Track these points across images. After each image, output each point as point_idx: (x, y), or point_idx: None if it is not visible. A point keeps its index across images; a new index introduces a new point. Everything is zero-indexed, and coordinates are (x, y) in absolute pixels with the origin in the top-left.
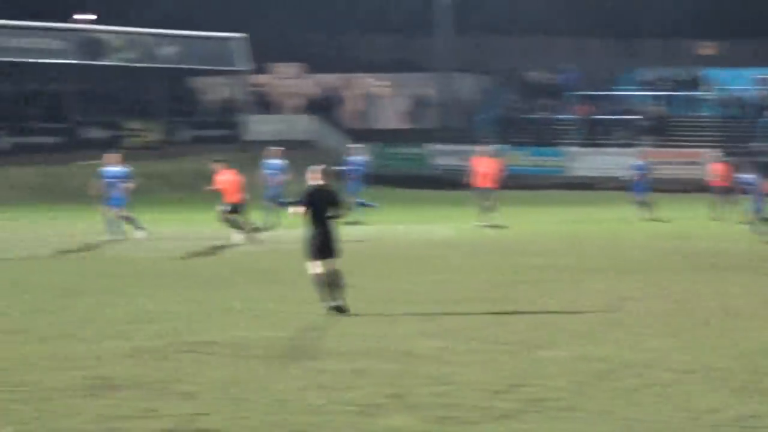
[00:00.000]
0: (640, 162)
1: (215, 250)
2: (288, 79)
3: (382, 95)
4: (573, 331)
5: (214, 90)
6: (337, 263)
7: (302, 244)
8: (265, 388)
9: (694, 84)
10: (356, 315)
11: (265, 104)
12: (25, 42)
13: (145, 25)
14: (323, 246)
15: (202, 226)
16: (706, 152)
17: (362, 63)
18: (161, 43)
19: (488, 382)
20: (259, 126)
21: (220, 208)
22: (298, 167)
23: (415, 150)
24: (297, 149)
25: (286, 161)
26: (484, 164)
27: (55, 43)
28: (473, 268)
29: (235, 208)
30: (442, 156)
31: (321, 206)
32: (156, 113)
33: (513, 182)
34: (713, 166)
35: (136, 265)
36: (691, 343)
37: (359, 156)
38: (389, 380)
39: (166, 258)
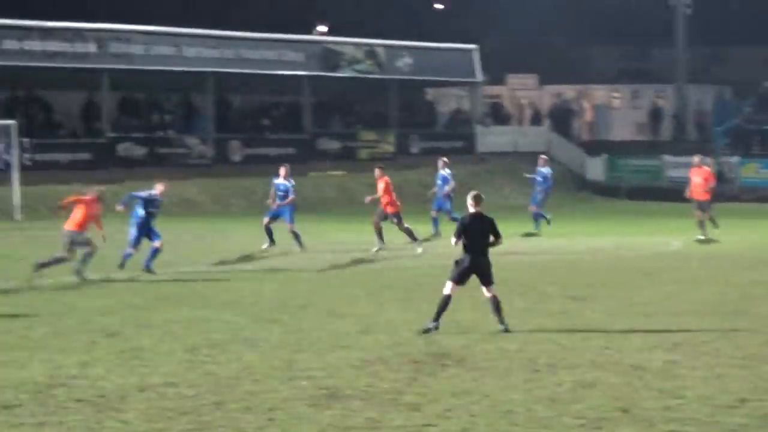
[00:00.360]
0: None
1: (437, 260)
2: (522, 90)
3: (616, 106)
4: None
5: (448, 101)
6: (493, 289)
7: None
8: (493, 399)
9: None
10: (585, 330)
11: (498, 115)
12: (262, 54)
13: (377, 36)
14: (469, 273)
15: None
16: None
17: (596, 74)
18: (396, 54)
19: (717, 397)
20: (492, 137)
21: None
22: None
23: (649, 162)
24: (531, 161)
25: (451, 172)
26: (698, 175)
27: (292, 55)
28: (703, 280)
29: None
30: (676, 168)
31: (476, 235)
32: (389, 124)
33: (748, 195)
34: None
35: (360, 275)
36: None
37: (546, 168)
38: (617, 393)
39: (390, 268)
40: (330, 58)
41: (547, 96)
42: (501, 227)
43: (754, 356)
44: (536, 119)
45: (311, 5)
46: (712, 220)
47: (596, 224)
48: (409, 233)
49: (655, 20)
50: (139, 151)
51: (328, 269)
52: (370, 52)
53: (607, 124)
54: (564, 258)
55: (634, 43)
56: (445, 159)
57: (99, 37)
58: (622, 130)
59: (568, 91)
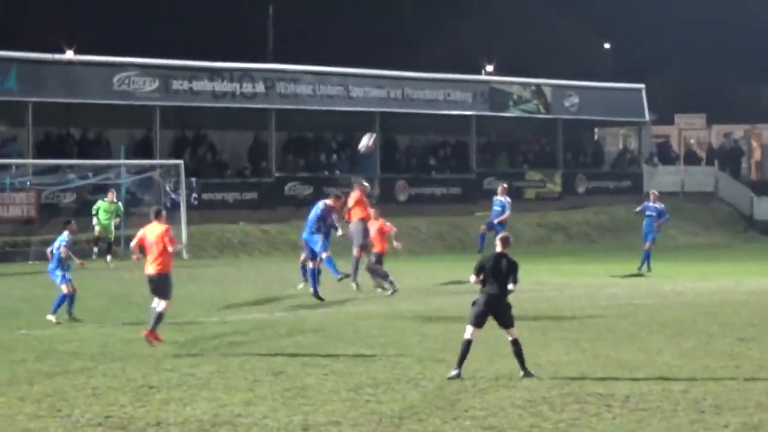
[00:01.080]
0: None
1: (602, 301)
2: (690, 130)
3: None
4: None
5: (615, 141)
6: (514, 332)
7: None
8: None
9: None
10: (752, 371)
11: (667, 155)
12: (429, 94)
13: (545, 75)
14: (487, 313)
15: (594, 276)
16: None
17: (765, 113)
18: (562, 94)
19: None
20: (659, 177)
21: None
22: (699, 218)
23: None
24: (698, 201)
25: (509, 199)
26: None
27: (459, 95)
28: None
29: None
30: None
31: (497, 274)
32: (556, 164)
33: None
34: None
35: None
36: None
37: (658, 203)
38: None
39: (552, 307)
40: (497, 97)
41: (715, 135)
42: (668, 267)
43: None
44: (704, 159)
45: (479, 45)
46: None
47: (763, 264)
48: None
49: None
50: (306, 190)
51: None
52: (537, 92)
53: None
54: (730, 298)
55: None
56: (505, 185)
57: (267, 77)
58: None
59: (736, 130)
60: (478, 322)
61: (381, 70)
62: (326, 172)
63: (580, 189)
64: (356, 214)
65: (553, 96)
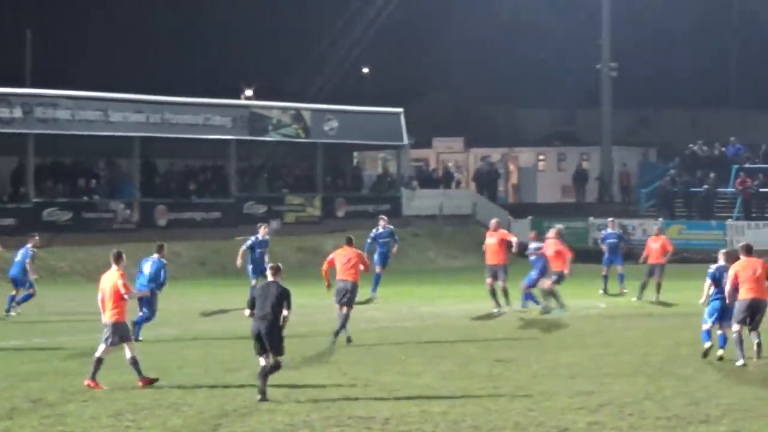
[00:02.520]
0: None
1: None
2: (448, 153)
3: (542, 169)
4: (729, 406)
5: (374, 164)
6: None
7: None
8: None
9: None
10: (510, 392)
11: (425, 179)
12: (189, 118)
13: (304, 100)
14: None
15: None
16: None
17: (523, 137)
18: (322, 118)
19: None
20: (418, 200)
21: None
22: (455, 241)
23: (575, 224)
24: (456, 224)
25: (392, 227)
26: (655, 242)
27: (219, 120)
28: (628, 341)
29: None
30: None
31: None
32: (316, 188)
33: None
34: None
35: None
36: None
37: (613, 230)
38: None
39: (314, 331)
40: (257, 122)
41: (473, 159)
42: (427, 290)
43: (679, 417)
44: (462, 182)
45: (238, 70)
46: (659, 286)
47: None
48: None
49: (581, 84)
50: (64, 216)
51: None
52: (297, 116)
53: (533, 187)
54: (489, 320)
55: (560, 107)
56: (384, 217)
57: (24, 101)
58: (547, 193)
59: (494, 153)
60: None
61: (140, 95)
62: (85, 198)
63: (340, 213)
64: None
65: (312, 120)
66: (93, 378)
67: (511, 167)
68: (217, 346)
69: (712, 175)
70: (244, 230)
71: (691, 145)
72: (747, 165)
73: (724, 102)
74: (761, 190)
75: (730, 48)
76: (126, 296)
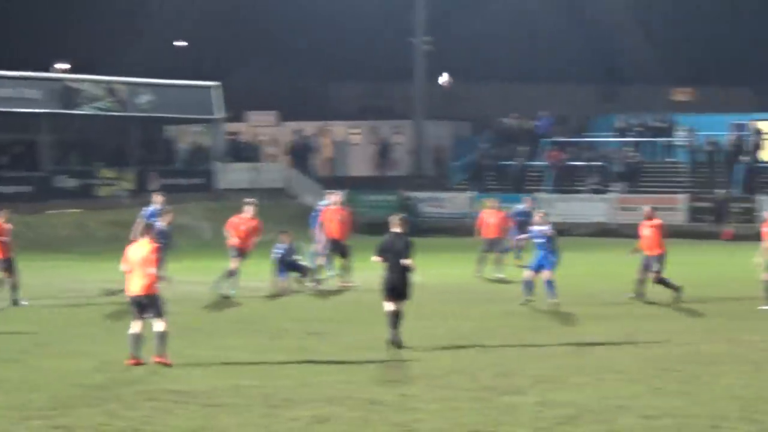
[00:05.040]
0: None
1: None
2: (262, 127)
3: (355, 142)
4: (538, 377)
5: (188, 138)
6: (402, 305)
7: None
8: None
9: (668, 130)
10: (325, 362)
11: (239, 153)
12: (2, 92)
13: (119, 74)
14: (395, 288)
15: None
16: (679, 197)
17: (336, 110)
18: (136, 92)
19: (452, 430)
20: (232, 174)
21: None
22: (271, 215)
23: (388, 197)
24: (270, 198)
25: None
26: (490, 215)
27: (30, 93)
28: (440, 315)
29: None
30: (418, 203)
31: (395, 253)
32: (129, 162)
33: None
34: None
35: (95, 314)
36: (659, 388)
37: (524, 205)
38: (353, 428)
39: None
40: (69, 95)
41: (287, 133)
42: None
43: (488, 388)
44: (276, 156)
45: (50, 43)
46: (498, 260)
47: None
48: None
49: (394, 57)
50: None
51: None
52: (111, 90)
53: (346, 160)
54: (303, 294)
55: (374, 80)
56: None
57: None
58: (360, 166)
59: (308, 127)
60: (393, 296)
61: None
62: None
63: (153, 186)
64: None
65: (126, 94)
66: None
67: (325, 141)
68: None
69: (523, 148)
70: (55, 204)
71: (503, 119)
72: (557, 138)
73: (534, 76)
74: (571, 163)
75: (540, 24)
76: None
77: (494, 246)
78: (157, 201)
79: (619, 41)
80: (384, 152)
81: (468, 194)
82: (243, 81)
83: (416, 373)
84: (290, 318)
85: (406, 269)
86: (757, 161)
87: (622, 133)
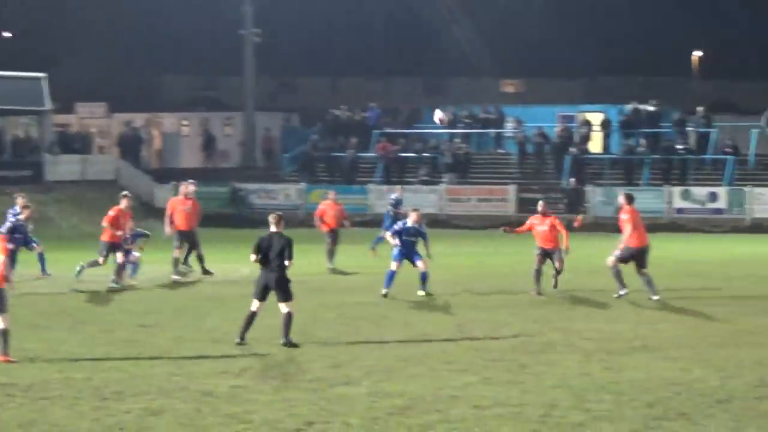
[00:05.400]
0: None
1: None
2: (92, 119)
3: (186, 134)
4: (372, 368)
5: (16, 130)
6: (290, 306)
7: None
8: (61, 429)
9: (497, 121)
10: (156, 354)
11: (68, 144)
12: None
13: None
14: (269, 288)
15: None
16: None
17: (167, 102)
18: None
19: (284, 421)
20: (61, 166)
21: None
22: (101, 207)
23: (219, 189)
24: (99, 190)
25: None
26: (330, 208)
27: None
28: (273, 306)
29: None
30: (249, 194)
31: (272, 252)
32: None
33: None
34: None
35: None
36: (490, 378)
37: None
38: (185, 419)
39: None
40: None
41: (117, 124)
42: (69, 256)
43: (321, 379)
44: (106, 148)
45: None
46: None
47: (166, 252)
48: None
49: (225, 49)
50: None
51: None
52: None
53: (177, 152)
54: (131, 292)
55: (204, 72)
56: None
57: None
58: (191, 158)
59: (138, 119)
60: (263, 296)
61: None
62: None
63: None
64: None
65: None
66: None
67: (155, 132)
68: None
69: (353, 140)
70: None
71: (333, 111)
72: (387, 130)
73: (363, 69)
74: (401, 154)
75: (369, 17)
76: None
77: (334, 238)
78: (19, 202)
79: (446, 34)
80: (209, 144)
81: (299, 186)
82: (72, 72)
83: (248, 365)
84: (121, 310)
85: (285, 269)
86: (585, 152)
87: (452, 124)
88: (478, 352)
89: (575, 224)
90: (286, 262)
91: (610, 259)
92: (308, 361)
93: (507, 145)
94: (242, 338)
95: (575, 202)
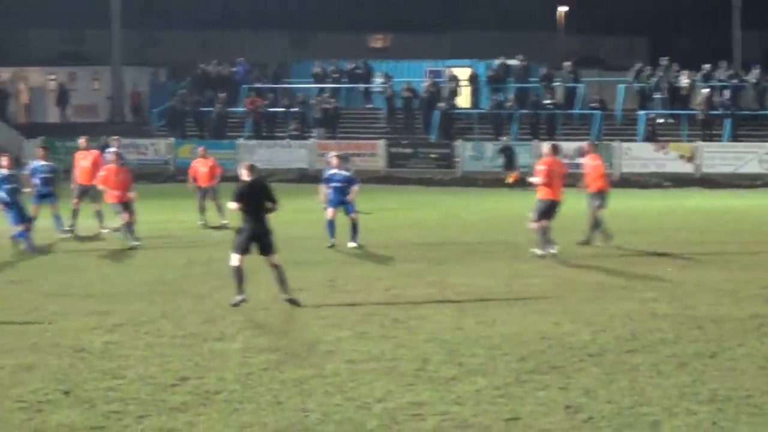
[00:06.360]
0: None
1: None
2: None
3: (53, 89)
4: (245, 323)
5: None
6: (276, 258)
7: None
8: None
9: (365, 76)
10: (28, 309)
11: None
12: None
13: None
14: (251, 241)
15: None
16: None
17: (33, 57)
18: None
19: (158, 376)
20: None
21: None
22: None
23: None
24: None
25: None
26: (202, 164)
27: None
28: (144, 261)
29: None
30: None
31: (254, 201)
32: None
33: (184, 175)
34: None
35: None
36: (363, 332)
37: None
38: (58, 375)
39: None
40: None
41: None
42: None
43: (194, 335)
44: None
45: None
46: (219, 207)
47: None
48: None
49: (92, 3)
50: None
51: None
52: None
53: (44, 107)
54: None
55: (72, 26)
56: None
57: None
58: (58, 112)
59: (3, 73)
60: (246, 250)
61: None
62: None
63: None
64: None
65: None
66: None
67: (22, 86)
68: None
69: (222, 95)
70: None
71: (201, 65)
72: (256, 85)
73: (230, 22)
74: (270, 110)
75: None
76: None
77: (208, 194)
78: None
79: None
80: (62, 98)
81: (168, 140)
82: None
83: (121, 320)
84: None
85: (266, 219)
86: (453, 107)
87: (320, 79)
88: (351, 307)
89: (510, 180)
90: (270, 205)
91: (531, 222)
92: (181, 317)
93: (376, 100)
94: (242, 292)
95: (510, 159)
